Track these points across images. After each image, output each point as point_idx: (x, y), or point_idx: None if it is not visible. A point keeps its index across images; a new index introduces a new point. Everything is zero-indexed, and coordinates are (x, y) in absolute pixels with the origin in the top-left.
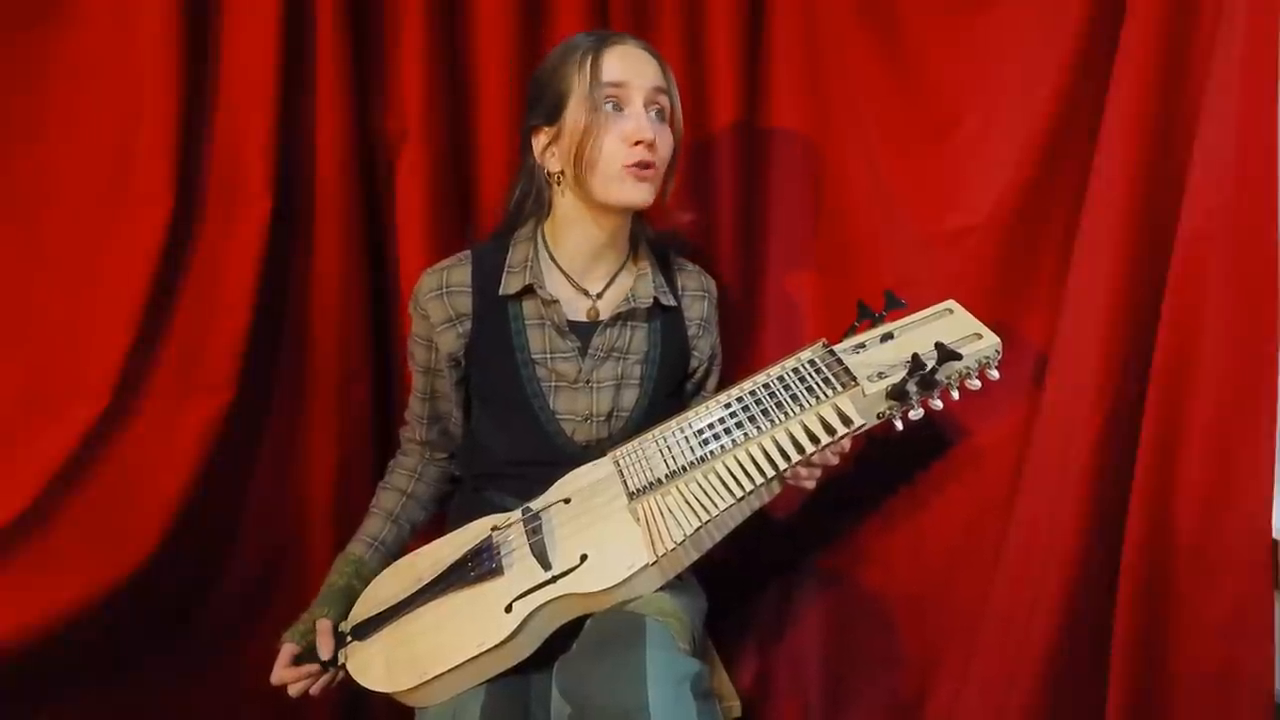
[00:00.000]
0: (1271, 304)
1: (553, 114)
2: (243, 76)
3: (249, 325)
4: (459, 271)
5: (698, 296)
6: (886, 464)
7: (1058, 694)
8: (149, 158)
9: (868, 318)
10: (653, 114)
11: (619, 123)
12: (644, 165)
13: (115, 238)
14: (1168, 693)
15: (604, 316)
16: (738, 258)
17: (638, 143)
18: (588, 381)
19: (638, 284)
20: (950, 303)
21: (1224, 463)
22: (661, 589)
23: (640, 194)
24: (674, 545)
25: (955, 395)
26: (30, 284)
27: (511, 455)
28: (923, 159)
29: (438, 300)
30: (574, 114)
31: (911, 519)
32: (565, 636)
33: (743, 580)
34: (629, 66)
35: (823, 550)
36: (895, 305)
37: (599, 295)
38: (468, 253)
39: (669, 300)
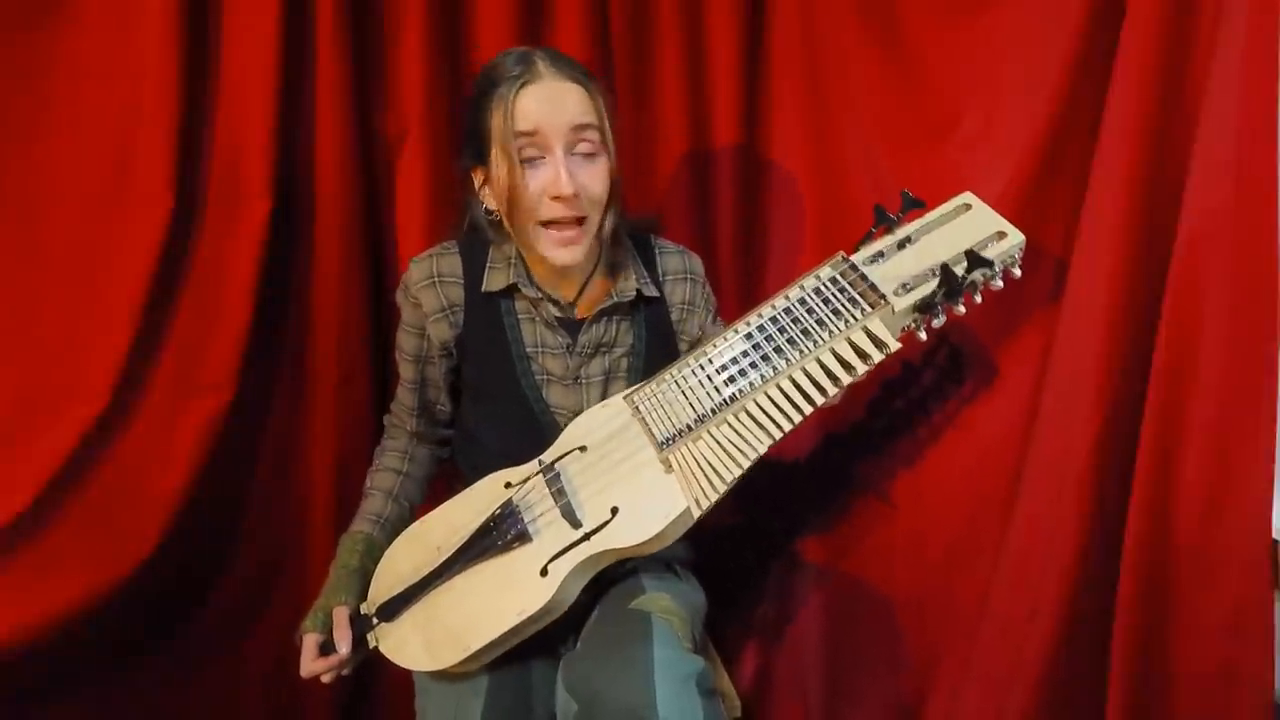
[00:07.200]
0: (1271, 304)
1: (482, 155)
2: (243, 76)
3: (249, 325)
4: (449, 261)
5: (680, 279)
6: (886, 463)
7: (1058, 694)
8: (149, 158)
9: (885, 222)
10: (579, 154)
11: (539, 173)
12: (566, 223)
13: (115, 238)
14: (1168, 693)
15: (582, 315)
16: (738, 258)
17: (556, 197)
18: (576, 378)
19: (619, 279)
20: (968, 196)
21: (1224, 463)
22: (663, 588)
23: (563, 257)
24: (717, 497)
25: (979, 299)
26: (30, 284)
27: (506, 449)
28: (923, 159)
29: (430, 289)
30: (496, 163)
31: (911, 519)
32: (569, 632)
33: (743, 580)
34: (545, 110)
35: (823, 550)
36: (914, 205)
37: (572, 303)
38: (454, 242)
39: (651, 291)
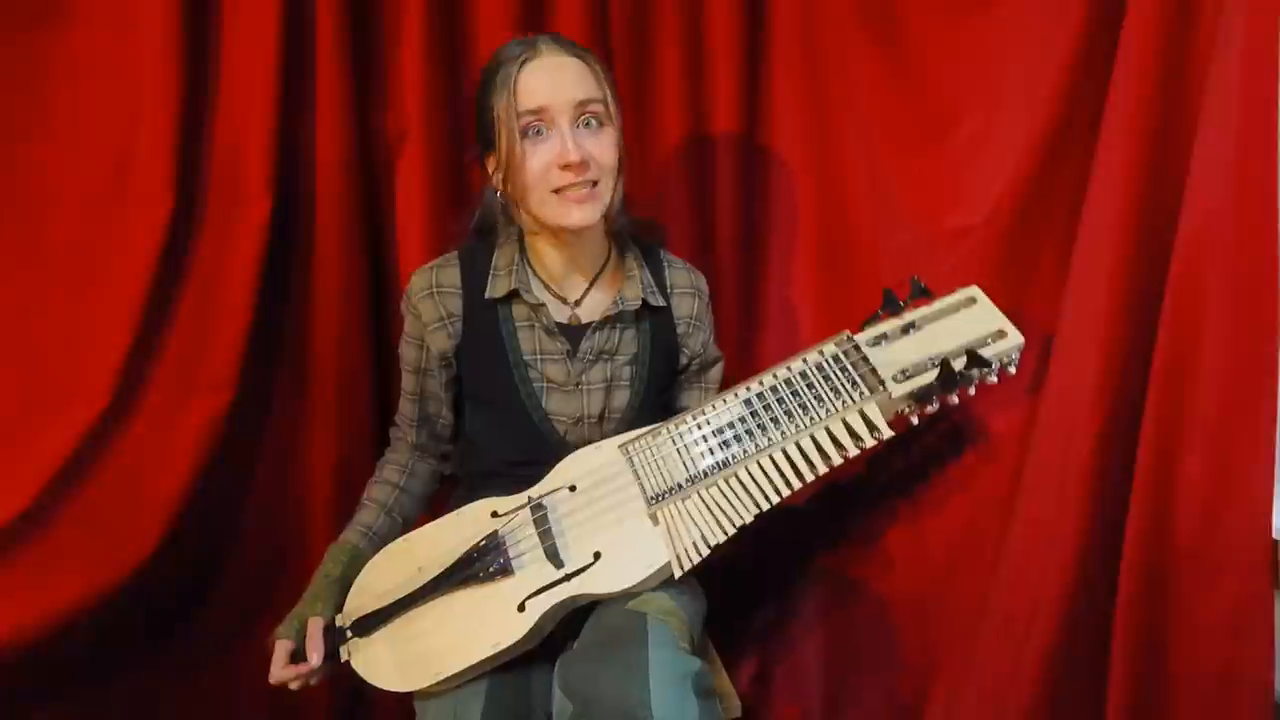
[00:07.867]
0: (1271, 304)
1: (491, 140)
2: (243, 76)
3: (249, 325)
4: (448, 272)
5: (687, 294)
6: (887, 464)
7: (1058, 694)
8: (149, 158)
9: (891, 307)
10: (586, 125)
11: (546, 145)
12: (577, 187)
13: (115, 238)
14: (1168, 693)
15: (586, 320)
16: (737, 258)
17: (565, 166)
18: (578, 384)
19: (626, 286)
20: (974, 290)
21: (1224, 463)
22: (661, 589)
23: (577, 217)
24: (700, 559)
25: (972, 392)
26: (30, 284)
27: (505, 455)
28: (923, 159)
29: (429, 300)
30: (504, 143)
31: (912, 519)
32: (567, 631)
33: (743, 580)
34: (548, 86)
35: (823, 550)
36: (921, 294)
37: (577, 303)
38: (455, 253)
39: (658, 301)
